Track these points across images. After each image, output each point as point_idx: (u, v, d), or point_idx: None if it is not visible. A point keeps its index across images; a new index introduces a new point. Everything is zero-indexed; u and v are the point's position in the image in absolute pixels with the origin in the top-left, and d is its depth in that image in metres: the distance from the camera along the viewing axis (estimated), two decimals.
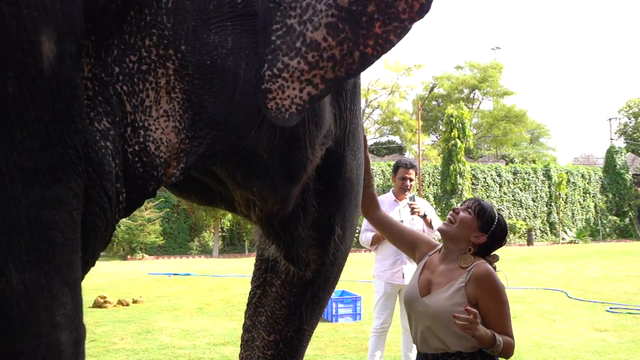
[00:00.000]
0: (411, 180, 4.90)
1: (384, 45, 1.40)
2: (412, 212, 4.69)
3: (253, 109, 1.48)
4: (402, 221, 4.38)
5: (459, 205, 2.44)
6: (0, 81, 0.98)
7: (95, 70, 1.24)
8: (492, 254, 2.34)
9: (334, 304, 7.43)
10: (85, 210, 1.20)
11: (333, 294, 8.32)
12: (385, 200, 4.88)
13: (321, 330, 6.89)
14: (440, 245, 2.47)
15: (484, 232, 2.29)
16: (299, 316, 2.26)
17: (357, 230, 2.70)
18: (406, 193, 4.87)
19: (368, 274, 13.13)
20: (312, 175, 1.92)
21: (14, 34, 0.98)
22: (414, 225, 4.75)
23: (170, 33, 1.34)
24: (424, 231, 4.76)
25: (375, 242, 4.76)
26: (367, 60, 1.41)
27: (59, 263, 1.09)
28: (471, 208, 2.33)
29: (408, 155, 33.20)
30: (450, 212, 2.37)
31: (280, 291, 2.28)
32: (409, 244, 2.58)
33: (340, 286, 9.76)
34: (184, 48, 1.36)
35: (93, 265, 1.31)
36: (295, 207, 1.96)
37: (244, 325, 2.42)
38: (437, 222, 4.76)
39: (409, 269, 4.65)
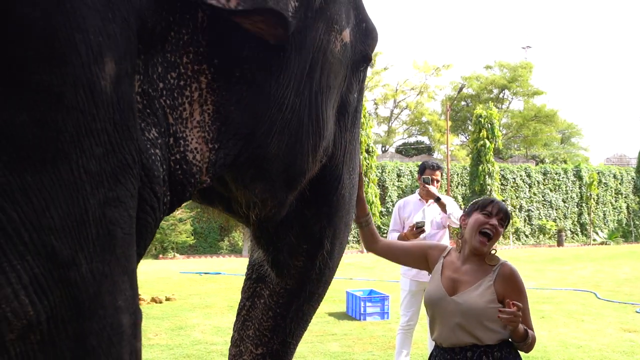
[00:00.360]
0: (437, 181, 4.93)
1: None
2: (427, 194, 4.81)
3: (275, 122, 1.63)
4: (420, 222, 4.55)
5: (476, 214, 2.52)
6: (73, 98, 1.13)
7: (144, 86, 1.38)
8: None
9: (362, 303, 7.54)
10: (138, 208, 1.34)
11: (361, 293, 8.43)
12: (410, 201, 5.03)
13: (349, 328, 7.02)
14: (448, 247, 2.69)
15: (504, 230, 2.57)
16: (284, 329, 2.27)
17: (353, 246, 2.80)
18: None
19: (396, 274, 13.21)
20: (307, 187, 2.01)
21: (84, 57, 1.13)
22: (440, 222, 4.90)
23: (205, 49, 1.48)
24: (444, 227, 4.95)
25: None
26: None
27: (119, 254, 1.23)
28: (503, 221, 2.51)
29: (437, 156, 33.08)
30: (488, 232, 2.47)
31: (268, 302, 2.29)
32: (419, 257, 2.71)
33: (368, 285, 9.92)
34: (217, 62, 1.50)
35: (141, 257, 1.47)
36: (289, 214, 2.04)
37: (232, 339, 2.40)
38: (456, 212, 4.82)
39: None
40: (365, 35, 2.07)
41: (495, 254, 2.54)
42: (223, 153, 1.57)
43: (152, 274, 12.77)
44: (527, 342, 2.36)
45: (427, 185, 4.80)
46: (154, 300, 8.83)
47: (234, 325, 2.38)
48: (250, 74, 1.55)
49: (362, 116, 19.72)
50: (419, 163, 23.76)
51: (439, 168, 5.02)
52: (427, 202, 4.95)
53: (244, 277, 2.39)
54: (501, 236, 2.56)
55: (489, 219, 2.47)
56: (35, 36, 1.07)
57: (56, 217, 1.10)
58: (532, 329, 2.40)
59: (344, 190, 2.16)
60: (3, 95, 1.04)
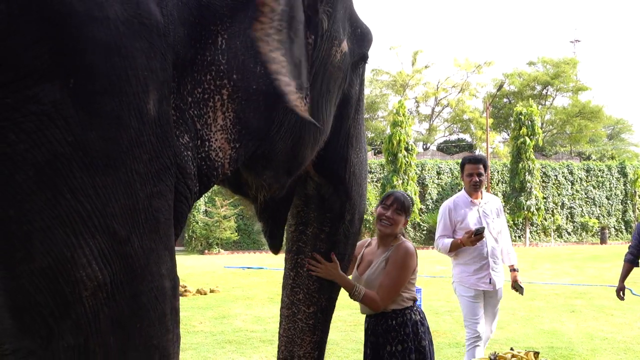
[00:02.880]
0: (480, 175, 4.48)
1: None
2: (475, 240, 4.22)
3: (283, 124, 2.03)
4: (480, 227, 4.21)
5: (379, 207, 3.04)
6: (127, 119, 1.55)
7: (176, 101, 1.79)
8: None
9: None
10: (175, 199, 1.75)
11: None
12: (460, 202, 4.54)
13: None
14: (369, 240, 3.23)
15: (407, 217, 3.07)
16: (327, 287, 2.69)
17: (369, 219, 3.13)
18: (479, 190, 4.52)
19: (434, 269, 13.45)
20: (321, 170, 2.49)
21: (134, 88, 1.55)
22: (494, 228, 4.49)
23: (225, 67, 1.88)
24: (500, 232, 4.53)
25: (454, 248, 4.38)
26: None
27: (162, 234, 1.65)
28: (399, 210, 2.98)
29: (478, 153, 32.93)
30: (385, 218, 2.98)
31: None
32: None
33: None
34: (236, 77, 1.89)
35: (178, 237, 1.90)
36: (287, 196, 2.51)
37: (282, 302, 2.76)
38: (506, 235, 4.66)
39: (497, 275, 4.44)
40: (361, 39, 2.48)
41: (401, 237, 3.03)
42: (243, 151, 1.98)
43: (198, 268, 13.33)
44: (355, 293, 2.81)
45: (475, 237, 4.20)
46: (199, 292, 9.33)
47: (283, 292, 2.77)
48: (265, 87, 1.92)
49: (401, 114, 19.87)
50: (460, 161, 23.57)
51: (479, 161, 4.56)
52: (479, 202, 4.52)
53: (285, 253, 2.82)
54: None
55: (386, 211, 2.98)
56: (100, 73, 1.50)
57: (116, 207, 1.53)
58: (384, 294, 2.85)
59: (354, 167, 2.57)
60: (79, 119, 1.47)
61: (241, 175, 2.24)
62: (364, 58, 2.54)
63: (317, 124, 2.07)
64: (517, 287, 4.66)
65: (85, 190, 1.48)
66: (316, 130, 2.22)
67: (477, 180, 4.47)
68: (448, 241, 4.39)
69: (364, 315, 3.05)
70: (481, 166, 4.49)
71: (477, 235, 4.15)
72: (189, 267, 13.66)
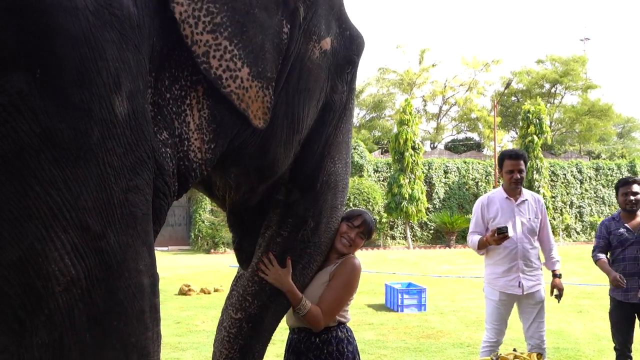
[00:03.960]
0: (521, 172, 4.23)
1: None
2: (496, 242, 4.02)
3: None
4: (502, 227, 3.97)
5: (343, 223, 2.70)
6: (98, 111, 1.50)
7: (155, 97, 1.76)
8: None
9: (399, 295, 7.78)
10: (154, 195, 1.71)
11: (399, 285, 8.64)
12: (495, 198, 4.33)
13: (386, 318, 7.30)
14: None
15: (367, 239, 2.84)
16: (268, 293, 2.41)
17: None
18: (519, 187, 4.27)
19: (440, 269, 13.38)
20: (293, 174, 2.38)
21: (105, 79, 1.50)
22: (532, 226, 4.26)
23: None
24: (536, 233, 4.31)
25: (482, 246, 4.21)
26: None
27: (139, 230, 1.61)
28: (364, 234, 2.72)
29: (486, 152, 32.78)
30: (347, 238, 2.67)
31: (254, 268, 2.46)
32: None
33: (407, 279, 10.14)
34: None
35: (157, 233, 1.84)
36: (261, 205, 2.43)
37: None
38: (548, 237, 4.40)
39: (527, 279, 4.19)
40: (349, 42, 2.39)
41: (350, 254, 2.75)
42: (218, 151, 1.94)
43: (203, 268, 13.34)
44: (300, 308, 2.50)
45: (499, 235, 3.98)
46: (202, 291, 9.31)
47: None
48: None
49: (408, 113, 19.81)
50: (468, 160, 23.67)
51: (520, 156, 4.29)
52: (516, 199, 4.28)
53: None
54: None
55: (350, 231, 2.68)
56: (68, 64, 1.45)
57: (89, 201, 1.49)
58: (327, 309, 2.57)
59: (328, 177, 2.46)
60: (47, 110, 1.43)
61: (211, 176, 2.20)
62: (351, 62, 2.42)
63: (260, 125, 1.96)
64: (557, 294, 4.36)
65: (55, 183, 1.43)
66: (289, 128, 2.14)
67: (518, 177, 4.22)
68: (477, 238, 4.22)
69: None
70: (522, 162, 4.24)
71: (500, 234, 3.93)
72: (194, 266, 13.66)
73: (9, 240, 1.40)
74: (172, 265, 13.59)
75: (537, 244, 4.34)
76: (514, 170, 4.22)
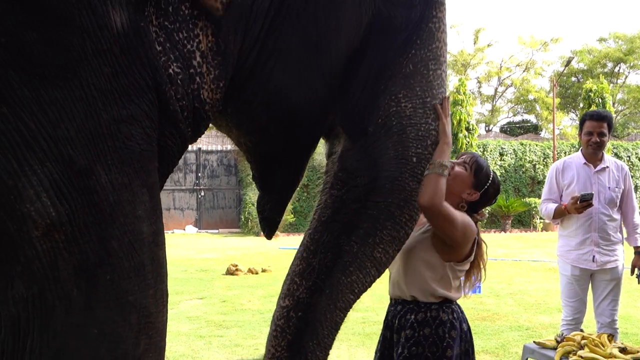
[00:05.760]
0: (602, 135, 3.82)
1: None
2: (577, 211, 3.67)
3: (263, 48, 1.66)
4: (587, 194, 3.63)
5: (454, 159, 2.28)
6: (77, 19, 1.24)
7: (160, 18, 1.46)
8: (480, 211, 2.34)
9: None
10: (160, 132, 1.46)
11: None
12: (572, 163, 3.98)
13: None
14: None
15: (478, 189, 2.24)
16: (315, 269, 1.93)
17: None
18: (599, 152, 3.89)
19: (495, 252, 12.85)
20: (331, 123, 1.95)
21: None
22: (612, 196, 3.87)
23: None
24: (616, 204, 3.89)
25: (558, 215, 3.89)
26: None
27: (138, 168, 1.36)
28: (468, 164, 2.25)
29: (544, 135, 31.60)
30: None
31: (304, 241, 2.06)
32: None
33: None
34: None
35: (166, 177, 1.58)
36: (288, 156, 2.00)
37: None
38: (633, 209, 3.98)
39: (603, 253, 3.85)
40: None
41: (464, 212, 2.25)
42: (225, 88, 1.64)
43: (252, 249, 13.26)
44: (435, 162, 1.99)
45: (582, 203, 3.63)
46: (250, 271, 9.19)
47: None
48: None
49: (462, 93, 19.21)
50: (524, 142, 22.80)
51: (603, 118, 3.87)
52: (595, 166, 3.90)
53: None
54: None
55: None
56: None
57: (71, 129, 1.24)
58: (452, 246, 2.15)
59: (387, 119, 1.95)
60: (14, 15, 1.18)
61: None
62: None
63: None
64: (638, 274, 3.95)
65: (27, 106, 1.18)
66: (305, 49, 1.70)
67: (598, 140, 3.83)
68: (552, 206, 3.88)
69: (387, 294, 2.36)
70: (605, 125, 3.84)
71: (584, 201, 3.59)
72: (243, 247, 13.61)
73: None
74: (221, 247, 13.57)
75: (617, 216, 3.94)
76: (594, 133, 3.84)
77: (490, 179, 2.29)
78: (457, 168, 2.22)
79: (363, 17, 1.80)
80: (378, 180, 1.91)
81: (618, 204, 3.91)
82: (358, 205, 1.92)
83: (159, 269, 1.43)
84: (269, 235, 2.21)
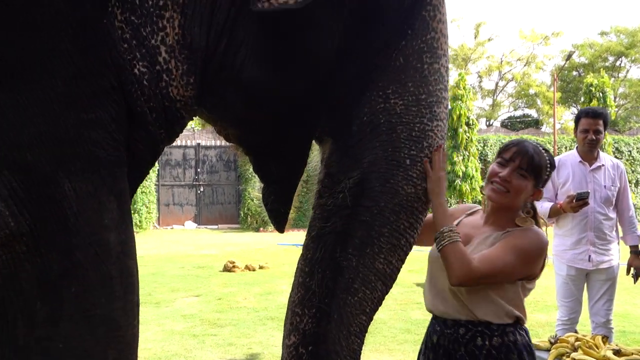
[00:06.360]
0: (597, 133, 3.74)
1: None
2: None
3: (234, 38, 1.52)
4: (583, 192, 3.54)
5: (502, 160, 1.93)
6: (32, 18, 1.17)
7: (125, 14, 1.37)
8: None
9: None
10: (129, 137, 1.39)
11: None
12: (567, 161, 3.90)
13: None
14: (477, 207, 2.13)
15: (541, 186, 1.97)
16: (313, 294, 1.70)
17: None
18: (594, 150, 3.82)
19: None
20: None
21: None
22: (607, 195, 3.79)
23: None
24: (612, 203, 3.83)
25: (554, 214, 3.76)
26: None
27: (104, 175, 1.30)
28: (524, 169, 1.90)
29: (545, 129, 31.47)
30: (498, 178, 1.91)
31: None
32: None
33: None
34: None
35: (138, 184, 1.52)
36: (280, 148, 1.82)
37: None
38: (628, 208, 3.93)
39: (599, 253, 3.80)
40: None
41: (530, 218, 1.95)
42: (195, 80, 1.53)
43: (250, 245, 13.22)
44: (442, 233, 1.81)
45: (577, 202, 3.52)
46: (247, 268, 9.15)
47: None
48: None
49: (462, 88, 19.15)
50: (524, 136, 22.72)
51: (598, 115, 3.79)
52: (590, 164, 3.83)
53: None
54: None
55: (501, 169, 1.91)
56: None
57: (30, 135, 1.18)
58: (478, 264, 1.79)
59: (372, 117, 1.76)
60: None
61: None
62: None
63: None
64: (634, 274, 3.90)
65: None
66: (282, 40, 1.53)
67: (594, 138, 3.75)
68: (548, 205, 3.74)
69: (418, 294, 2.04)
70: (601, 122, 3.75)
71: (580, 200, 3.49)
72: (242, 244, 13.58)
73: None
74: (219, 243, 13.53)
75: (613, 214, 3.88)
76: (589, 130, 3.76)
77: (549, 165, 1.96)
78: (515, 181, 1.89)
79: (343, 3, 1.62)
80: (366, 182, 1.71)
81: (614, 202, 3.86)
82: (348, 212, 1.72)
83: (128, 279, 1.37)
84: (280, 228, 2.00)
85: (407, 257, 1.84)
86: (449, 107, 20.22)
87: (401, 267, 1.82)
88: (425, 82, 1.73)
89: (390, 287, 1.78)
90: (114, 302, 1.32)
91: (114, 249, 1.32)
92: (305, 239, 1.83)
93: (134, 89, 1.39)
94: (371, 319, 1.76)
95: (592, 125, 3.76)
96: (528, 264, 1.88)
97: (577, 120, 3.90)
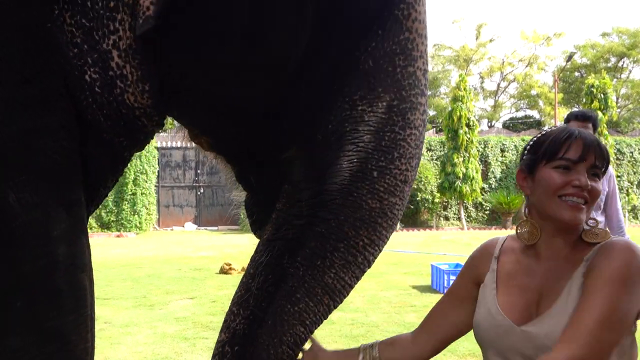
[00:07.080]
0: None
1: None
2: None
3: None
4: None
5: (567, 163, 1.38)
6: None
7: (76, 17, 1.31)
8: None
9: (445, 276, 7.34)
10: (82, 145, 1.34)
11: (447, 266, 8.18)
12: None
13: (430, 300, 6.85)
14: (496, 242, 1.61)
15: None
16: (250, 295, 1.62)
17: None
18: None
19: None
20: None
21: None
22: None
23: None
24: (600, 207, 3.80)
25: None
26: None
27: (52, 185, 1.25)
28: (600, 168, 1.41)
29: (547, 128, 31.38)
30: (574, 189, 1.36)
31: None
32: (470, 292, 1.57)
33: (457, 260, 9.63)
34: None
35: (105, 194, 1.48)
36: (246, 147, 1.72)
37: None
38: (616, 212, 3.91)
39: None
40: None
41: (597, 226, 1.43)
42: (151, 86, 1.44)
43: (248, 247, 12.78)
44: None
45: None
46: (244, 270, 9.04)
47: None
48: None
49: (462, 89, 19.08)
50: (525, 137, 22.61)
51: (587, 118, 3.62)
52: None
53: None
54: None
55: (570, 177, 1.38)
56: None
57: None
58: (581, 349, 1.21)
59: (337, 126, 1.62)
60: None
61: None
62: None
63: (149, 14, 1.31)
64: None
65: None
66: (238, 40, 1.42)
67: None
68: None
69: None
70: (590, 125, 3.56)
71: None
72: (240, 245, 13.53)
73: None
74: (218, 244, 13.51)
75: (601, 218, 3.85)
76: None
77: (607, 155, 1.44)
78: (593, 186, 1.38)
79: (306, 2, 1.48)
80: (327, 194, 1.58)
81: (602, 206, 3.83)
82: (303, 221, 1.60)
83: (79, 293, 1.33)
84: (258, 233, 1.87)
85: (373, 266, 1.68)
86: (450, 108, 20.20)
87: (355, 284, 1.65)
88: (398, 87, 1.58)
89: (340, 302, 1.63)
90: (64, 317, 1.28)
91: (62, 262, 1.27)
92: (258, 243, 1.73)
93: (84, 96, 1.33)
94: (311, 332, 1.62)
95: (582, 127, 3.67)
96: (631, 292, 1.28)
97: (567, 123, 3.78)
